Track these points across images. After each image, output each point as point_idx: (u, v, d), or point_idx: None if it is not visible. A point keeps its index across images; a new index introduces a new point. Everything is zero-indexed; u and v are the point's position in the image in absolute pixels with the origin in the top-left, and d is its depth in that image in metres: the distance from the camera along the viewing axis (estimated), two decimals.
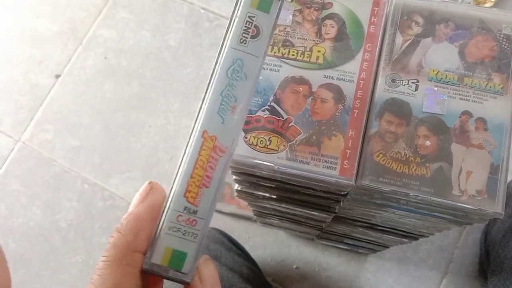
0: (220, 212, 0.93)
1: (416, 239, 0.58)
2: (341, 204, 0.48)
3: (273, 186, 0.47)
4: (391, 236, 0.60)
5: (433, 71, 0.40)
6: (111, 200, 0.98)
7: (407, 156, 0.38)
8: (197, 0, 1.09)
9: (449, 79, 0.40)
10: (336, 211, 0.51)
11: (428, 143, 0.38)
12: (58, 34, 1.12)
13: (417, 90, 0.39)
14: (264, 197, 0.53)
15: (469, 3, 0.94)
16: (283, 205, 0.55)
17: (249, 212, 0.69)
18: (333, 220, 0.58)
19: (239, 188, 0.51)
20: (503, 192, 0.37)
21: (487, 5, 0.94)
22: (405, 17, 0.42)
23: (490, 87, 0.39)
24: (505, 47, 0.41)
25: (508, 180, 0.39)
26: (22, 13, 1.14)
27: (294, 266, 0.90)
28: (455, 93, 0.39)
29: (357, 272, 0.88)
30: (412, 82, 0.40)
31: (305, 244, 0.91)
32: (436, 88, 0.39)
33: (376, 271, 0.88)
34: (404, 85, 0.40)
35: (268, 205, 0.58)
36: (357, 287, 0.88)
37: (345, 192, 0.43)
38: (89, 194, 0.99)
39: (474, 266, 0.87)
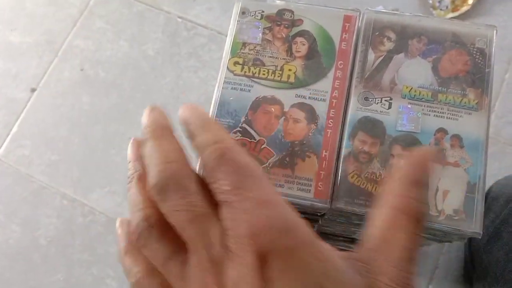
0: None
1: None
2: (320, 222, 0.47)
3: None
4: None
5: (407, 87, 0.39)
6: (91, 215, 0.96)
7: (382, 177, 0.37)
8: (174, 9, 1.07)
9: (423, 95, 0.39)
10: (315, 229, 0.50)
11: (402, 163, 0.37)
12: (34, 46, 1.09)
13: (390, 108, 0.39)
14: None
15: (447, 7, 0.94)
16: None
17: None
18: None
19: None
20: (480, 210, 0.36)
21: (464, 8, 0.94)
22: (377, 33, 0.41)
23: (465, 103, 0.38)
24: (479, 61, 0.40)
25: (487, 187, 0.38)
26: None
27: None
28: (430, 110, 0.38)
29: None
30: (385, 100, 0.39)
31: None
32: (409, 106, 0.38)
33: None
34: (377, 103, 0.39)
35: None
36: None
37: (322, 213, 0.42)
38: (68, 210, 0.96)
39: (460, 271, 0.87)
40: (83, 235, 0.95)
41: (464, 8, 0.94)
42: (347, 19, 0.43)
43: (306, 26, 0.43)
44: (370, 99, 0.39)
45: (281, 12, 0.44)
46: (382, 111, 0.38)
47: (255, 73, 0.42)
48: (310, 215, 0.43)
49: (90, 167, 0.99)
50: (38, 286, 0.93)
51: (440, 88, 0.39)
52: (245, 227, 0.21)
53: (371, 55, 0.40)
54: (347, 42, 0.42)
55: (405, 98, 0.38)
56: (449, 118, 0.38)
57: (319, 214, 0.42)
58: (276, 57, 0.42)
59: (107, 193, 0.97)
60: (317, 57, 0.42)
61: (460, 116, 0.38)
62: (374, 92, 0.39)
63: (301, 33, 0.43)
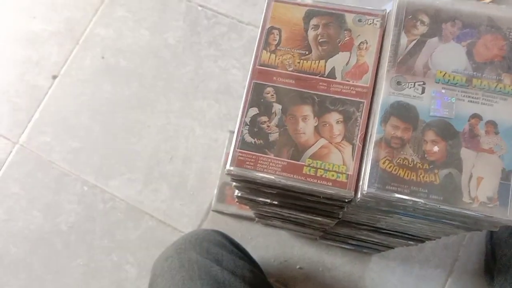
0: (221, 213, 0.92)
1: (422, 241, 0.56)
2: (345, 209, 0.47)
3: (274, 192, 0.46)
4: (396, 239, 0.58)
5: (440, 72, 0.38)
6: (111, 202, 0.96)
7: (415, 163, 0.36)
8: None
9: (457, 80, 0.38)
10: (339, 217, 0.50)
11: (436, 148, 0.37)
12: (54, 34, 1.10)
13: (423, 92, 0.38)
14: (265, 203, 0.52)
15: None
16: (285, 211, 0.54)
17: (251, 212, 0.68)
18: (337, 224, 0.57)
19: (239, 194, 0.50)
20: None
21: None
22: (410, 16, 0.41)
23: (500, 88, 0.38)
24: None
25: None
26: (17, 14, 1.12)
27: (298, 267, 0.89)
28: (464, 95, 0.38)
29: (361, 272, 0.87)
30: (419, 85, 0.38)
31: (308, 244, 0.89)
32: (443, 91, 0.38)
33: (380, 271, 0.87)
34: (410, 87, 0.38)
35: (269, 210, 0.57)
36: (362, 287, 0.87)
37: (349, 199, 0.41)
38: (89, 197, 0.97)
39: (480, 264, 0.86)
40: (103, 221, 0.96)
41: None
42: None
43: None
44: (403, 84, 0.38)
45: None
46: (415, 96, 0.38)
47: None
48: (337, 201, 0.43)
49: (111, 155, 1.00)
50: (59, 271, 0.94)
51: (474, 73, 0.38)
52: None
53: (404, 39, 0.40)
54: None
55: (438, 82, 0.38)
56: (484, 103, 0.37)
57: (346, 200, 0.42)
58: None
59: (127, 180, 0.98)
60: None
61: (495, 101, 0.37)
62: (407, 77, 0.39)
63: None
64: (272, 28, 0.44)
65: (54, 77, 1.07)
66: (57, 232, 0.96)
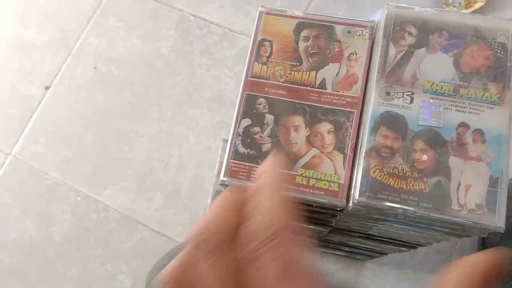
0: None
1: (414, 248, 0.57)
2: (338, 218, 0.47)
3: None
4: (388, 246, 0.59)
5: (428, 82, 0.39)
6: (105, 212, 0.96)
7: (404, 171, 0.37)
8: (187, 7, 1.08)
9: (445, 90, 0.39)
10: (332, 225, 0.51)
11: (425, 157, 0.37)
12: (47, 43, 1.10)
13: (412, 102, 0.39)
14: None
15: (460, 3, 0.94)
16: None
17: None
18: (330, 231, 0.57)
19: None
20: (502, 205, 0.36)
21: (478, 4, 0.93)
22: (398, 28, 0.42)
23: (487, 97, 0.38)
24: (500, 55, 0.40)
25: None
26: (10, 23, 1.12)
27: None
28: (451, 105, 0.38)
29: (355, 278, 0.88)
30: (407, 95, 0.39)
31: None
32: (431, 100, 0.39)
33: (374, 277, 0.88)
34: (399, 97, 0.39)
35: None
36: None
37: (341, 208, 0.42)
38: (82, 207, 0.97)
39: None
40: (97, 231, 0.96)
41: (478, 5, 0.93)
42: None
43: None
44: (391, 94, 0.39)
45: None
46: (404, 106, 0.38)
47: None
48: (329, 210, 0.44)
49: (104, 164, 1.00)
50: (53, 281, 0.94)
51: (461, 82, 0.39)
52: None
53: (392, 50, 0.41)
54: None
55: (426, 92, 0.39)
56: (471, 112, 0.38)
57: (338, 209, 0.42)
58: None
59: (120, 190, 0.98)
60: None
61: (482, 110, 0.38)
62: (396, 87, 0.39)
63: None
64: (263, 40, 0.45)
65: (47, 87, 1.07)
66: (50, 242, 0.96)
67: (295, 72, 0.44)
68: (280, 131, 0.43)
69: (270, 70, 0.44)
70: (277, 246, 0.22)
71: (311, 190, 0.41)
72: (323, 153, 0.42)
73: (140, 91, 1.04)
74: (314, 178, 0.42)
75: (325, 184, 0.41)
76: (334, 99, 0.43)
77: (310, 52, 0.44)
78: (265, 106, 0.43)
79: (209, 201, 0.92)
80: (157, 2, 1.09)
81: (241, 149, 0.42)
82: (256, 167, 0.42)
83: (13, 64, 1.09)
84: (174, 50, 1.06)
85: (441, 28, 0.41)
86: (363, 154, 0.38)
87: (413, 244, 0.54)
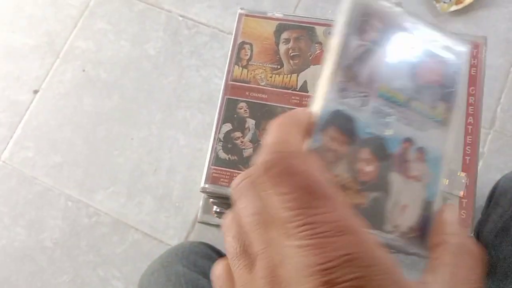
0: (208, 224, 0.91)
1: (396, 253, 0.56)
2: None
3: None
4: None
5: (384, 87, 0.34)
6: (96, 216, 0.96)
7: (346, 181, 0.32)
8: (175, 8, 1.07)
9: (398, 99, 0.34)
10: None
11: (369, 168, 0.33)
12: (35, 48, 1.09)
13: (365, 105, 0.34)
14: None
15: (445, 2, 0.93)
16: None
17: None
18: None
19: (217, 210, 0.50)
20: (431, 231, 0.31)
21: (468, 1, 0.92)
22: (364, 18, 0.36)
23: (435, 115, 0.34)
24: (453, 75, 0.35)
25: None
26: None
27: None
28: (402, 116, 0.34)
29: None
30: (361, 96, 0.34)
31: None
32: (383, 107, 0.34)
33: None
34: (353, 97, 0.34)
35: None
36: None
37: None
38: (73, 212, 0.96)
39: None
40: (88, 236, 0.95)
41: (468, 1, 0.92)
42: (474, 45, 0.43)
43: None
44: (347, 91, 0.34)
45: None
46: (356, 107, 0.34)
47: None
48: None
49: (94, 168, 0.99)
50: (44, 287, 0.93)
51: (415, 94, 0.35)
52: (317, 258, 0.19)
53: (355, 42, 0.35)
54: (476, 68, 0.42)
55: (381, 97, 0.34)
56: (418, 128, 0.34)
57: None
58: None
59: (111, 194, 0.97)
60: None
61: (428, 128, 0.34)
62: (352, 84, 0.34)
63: None
64: (243, 43, 0.44)
65: (36, 91, 1.06)
66: (41, 248, 0.95)
67: (276, 75, 0.43)
68: (262, 136, 0.42)
69: (251, 73, 0.43)
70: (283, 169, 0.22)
71: None
72: None
73: (129, 94, 1.03)
74: None
75: None
76: None
77: (291, 54, 0.43)
78: (246, 110, 0.42)
79: (200, 203, 0.91)
80: (145, 3, 1.08)
81: (222, 154, 0.41)
82: (238, 173, 0.41)
83: (1, 69, 1.08)
84: (162, 52, 1.05)
85: (408, 30, 0.38)
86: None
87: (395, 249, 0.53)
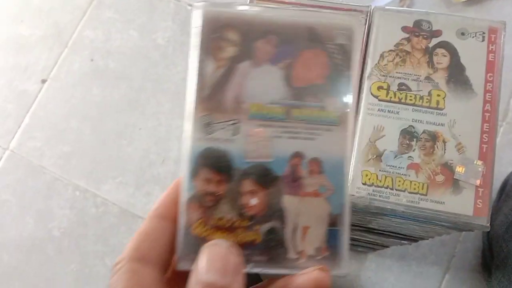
0: None
1: (416, 241, 0.56)
2: None
3: None
4: (389, 239, 0.58)
5: (254, 105, 0.30)
6: (103, 206, 0.95)
7: (233, 221, 0.29)
8: None
9: (275, 113, 0.30)
10: None
11: (254, 200, 0.30)
12: (43, 38, 1.09)
13: (237, 133, 0.30)
14: None
15: None
16: None
17: None
18: None
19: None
20: (346, 245, 0.29)
21: None
22: (215, 35, 0.30)
23: (324, 117, 0.30)
24: (339, 62, 0.31)
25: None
26: (4, 19, 1.11)
27: None
28: (283, 131, 0.30)
29: (357, 271, 0.86)
30: (231, 124, 0.30)
31: None
32: (259, 128, 0.30)
33: (377, 269, 0.86)
34: (221, 129, 0.30)
35: None
36: (358, 285, 0.86)
37: None
38: (81, 201, 0.96)
39: (477, 260, 0.85)
40: (96, 226, 0.95)
41: None
42: (492, 30, 0.42)
43: (445, 37, 0.42)
44: (212, 125, 0.30)
45: (418, 22, 0.42)
46: (227, 139, 0.30)
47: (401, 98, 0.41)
48: None
49: (102, 158, 0.99)
50: (52, 277, 0.93)
51: (294, 102, 0.30)
52: None
53: (210, 66, 0.30)
54: (494, 54, 0.41)
55: (253, 119, 0.30)
56: (306, 138, 0.30)
57: None
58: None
59: (119, 184, 0.96)
60: (461, 69, 0.41)
61: (319, 134, 0.30)
62: (217, 115, 0.30)
63: (441, 45, 0.42)
64: None
65: (43, 81, 1.05)
66: (49, 238, 0.95)
67: None
68: None
69: None
70: None
71: None
72: None
73: (138, 83, 1.02)
74: None
75: None
76: None
77: None
78: None
79: None
80: None
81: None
82: None
83: (9, 60, 1.08)
84: (171, 42, 1.04)
85: (269, 31, 0.30)
86: (182, 207, 0.30)
87: (414, 237, 0.53)
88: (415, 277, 0.85)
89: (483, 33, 0.42)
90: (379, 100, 0.41)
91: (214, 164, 0.29)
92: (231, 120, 0.29)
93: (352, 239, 0.71)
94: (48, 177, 0.99)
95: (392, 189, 0.39)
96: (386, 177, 0.39)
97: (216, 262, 0.25)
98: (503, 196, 0.81)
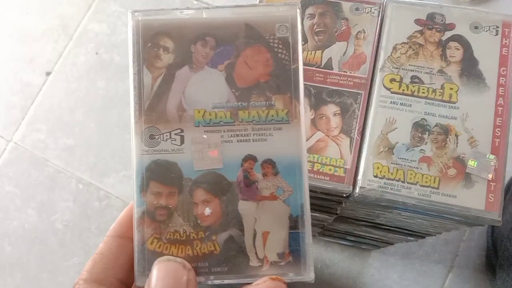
0: None
1: (423, 237, 0.55)
2: (343, 205, 0.45)
3: None
4: (396, 235, 0.57)
5: (199, 112, 0.29)
6: (107, 200, 0.95)
7: (188, 233, 0.28)
8: None
9: (220, 118, 0.28)
10: (337, 212, 0.49)
11: (208, 210, 0.28)
12: (48, 30, 1.08)
13: (183, 143, 0.28)
14: None
15: None
16: None
17: None
18: (335, 220, 0.55)
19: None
20: (309, 248, 0.28)
21: None
22: (149, 44, 0.30)
23: (273, 116, 0.29)
24: (282, 56, 0.29)
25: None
26: (10, 10, 1.11)
27: None
28: (231, 135, 0.28)
29: (360, 268, 0.86)
30: (176, 134, 0.29)
31: None
32: (206, 135, 0.29)
33: (380, 267, 0.86)
34: (166, 139, 0.29)
35: None
36: (361, 283, 0.86)
37: (347, 194, 0.40)
38: (84, 194, 0.96)
39: (481, 259, 0.84)
40: (99, 219, 0.94)
41: None
42: (506, 24, 0.41)
43: (459, 30, 0.42)
44: (156, 137, 0.29)
45: (431, 15, 0.42)
46: (174, 150, 0.28)
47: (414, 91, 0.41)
48: (335, 197, 0.42)
49: (106, 152, 0.98)
50: (55, 270, 0.93)
51: (240, 103, 0.29)
52: None
53: (148, 76, 0.29)
54: (508, 48, 0.41)
55: (199, 126, 0.28)
56: (256, 140, 0.29)
57: (344, 195, 0.40)
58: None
59: (122, 178, 0.96)
60: (474, 63, 0.41)
61: (269, 134, 0.29)
62: (160, 126, 0.29)
63: (455, 38, 0.42)
64: None
65: (48, 73, 1.05)
66: (52, 230, 0.95)
67: None
68: None
69: None
70: None
71: (315, 176, 0.40)
72: (328, 136, 0.40)
73: None
74: (319, 163, 0.40)
75: (330, 169, 0.39)
76: (341, 80, 0.41)
77: (316, 30, 0.42)
78: None
79: None
80: None
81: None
82: None
83: (14, 51, 1.08)
84: None
85: (205, 33, 0.29)
86: (134, 224, 0.29)
87: (421, 233, 0.52)
88: (418, 275, 0.85)
89: (497, 27, 0.41)
90: (392, 92, 0.40)
91: (162, 177, 0.28)
92: (175, 130, 0.28)
93: (356, 236, 0.71)
94: (52, 169, 0.98)
95: (403, 182, 0.39)
96: (397, 170, 0.39)
97: (168, 279, 0.24)
98: (508, 195, 0.80)
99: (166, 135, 0.28)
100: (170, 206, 0.28)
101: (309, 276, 0.28)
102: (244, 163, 0.28)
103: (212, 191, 0.28)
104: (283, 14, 0.29)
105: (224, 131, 0.28)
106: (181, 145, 0.28)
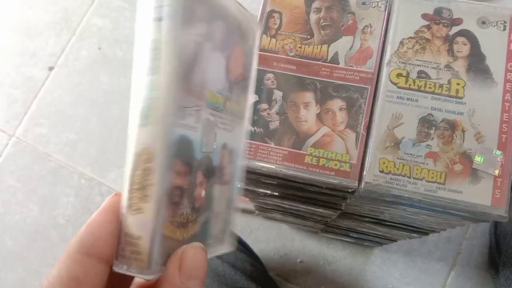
0: None
1: (427, 234, 0.55)
2: (348, 201, 0.45)
3: (275, 183, 0.44)
4: (400, 232, 0.57)
5: (210, 93, 0.27)
6: (109, 195, 0.94)
7: (187, 216, 0.26)
8: None
9: (219, 104, 0.28)
10: (342, 208, 0.49)
11: (203, 192, 0.28)
12: (51, 24, 1.08)
13: (198, 121, 0.26)
14: (265, 195, 0.50)
15: None
16: (286, 202, 0.52)
17: (251, 205, 0.66)
18: (339, 216, 0.55)
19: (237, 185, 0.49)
20: (232, 227, 0.30)
21: None
22: (191, 4, 0.25)
23: (238, 111, 0.30)
24: (249, 62, 0.30)
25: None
26: (12, 4, 1.10)
27: (298, 260, 0.87)
28: (221, 122, 0.28)
29: (363, 265, 0.86)
30: (195, 110, 0.26)
31: (309, 237, 0.88)
32: (212, 118, 0.27)
33: (382, 264, 0.86)
34: (192, 114, 0.26)
35: (270, 202, 0.55)
36: (363, 280, 0.86)
37: (352, 190, 0.40)
38: (86, 189, 0.96)
39: (484, 257, 0.84)
40: None
41: None
42: None
43: (466, 25, 0.41)
44: (185, 108, 0.25)
45: (439, 10, 0.42)
46: (193, 126, 0.26)
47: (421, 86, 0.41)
48: (340, 192, 0.42)
49: (108, 147, 0.98)
50: (56, 264, 0.93)
51: (228, 93, 0.29)
52: None
53: (184, 39, 0.24)
54: None
55: (209, 107, 0.27)
56: (230, 130, 0.29)
57: (349, 190, 0.40)
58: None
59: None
60: (481, 58, 0.40)
61: (235, 127, 0.30)
62: (189, 98, 0.25)
63: (462, 33, 0.41)
64: (272, 11, 0.42)
65: (51, 68, 1.05)
66: (54, 225, 0.95)
67: (306, 46, 0.41)
68: (289, 108, 0.40)
69: (279, 43, 0.41)
70: None
71: (321, 171, 0.39)
72: (334, 131, 0.40)
73: None
74: (325, 158, 0.39)
75: (336, 164, 0.39)
76: (347, 74, 0.40)
77: (322, 24, 0.42)
78: (273, 81, 0.41)
79: None
80: None
81: (248, 126, 0.40)
82: (263, 145, 0.40)
83: (16, 45, 1.08)
84: None
85: (222, 15, 0.27)
86: (157, 206, 0.25)
87: (425, 229, 0.52)
88: (420, 272, 0.85)
89: (505, 22, 0.41)
90: (398, 87, 0.40)
91: (183, 155, 0.25)
92: (195, 106, 0.26)
93: (359, 233, 0.71)
94: (54, 164, 0.98)
95: (409, 177, 0.38)
96: (403, 165, 0.39)
97: (197, 270, 0.24)
98: None
99: (190, 109, 0.26)
100: (183, 187, 0.26)
101: (226, 248, 0.30)
102: (223, 150, 0.29)
103: (205, 174, 0.28)
104: (252, 23, 0.29)
105: (219, 117, 0.28)
106: (196, 123, 0.26)
